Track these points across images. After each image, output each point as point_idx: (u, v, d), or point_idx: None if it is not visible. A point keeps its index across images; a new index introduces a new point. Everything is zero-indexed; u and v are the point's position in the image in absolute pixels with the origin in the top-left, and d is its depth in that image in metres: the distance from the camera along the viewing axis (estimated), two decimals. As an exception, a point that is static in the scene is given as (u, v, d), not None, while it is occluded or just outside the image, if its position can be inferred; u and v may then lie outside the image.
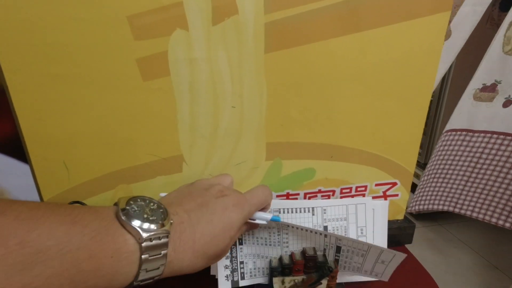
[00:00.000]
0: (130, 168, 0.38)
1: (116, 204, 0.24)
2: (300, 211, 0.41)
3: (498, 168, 0.90)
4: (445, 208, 1.02)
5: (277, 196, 0.45)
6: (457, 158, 0.99)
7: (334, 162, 0.45)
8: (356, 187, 0.47)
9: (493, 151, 0.90)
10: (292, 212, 0.41)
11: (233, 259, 0.41)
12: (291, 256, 0.40)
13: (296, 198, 0.46)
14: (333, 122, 0.43)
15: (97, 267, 0.20)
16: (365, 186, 0.47)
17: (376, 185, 0.48)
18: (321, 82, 0.40)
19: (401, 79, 0.41)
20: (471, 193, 0.97)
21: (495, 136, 0.90)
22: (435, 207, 1.03)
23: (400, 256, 0.37)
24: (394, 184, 0.48)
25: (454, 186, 1.01)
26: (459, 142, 0.98)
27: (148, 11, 0.32)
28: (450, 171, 1.00)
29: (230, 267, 0.41)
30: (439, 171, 1.02)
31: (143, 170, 0.39)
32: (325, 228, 0.42)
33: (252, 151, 0.42)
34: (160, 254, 0.23)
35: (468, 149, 0.97)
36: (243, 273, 0.41)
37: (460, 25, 0.89)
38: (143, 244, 0.22)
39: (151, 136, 0.38)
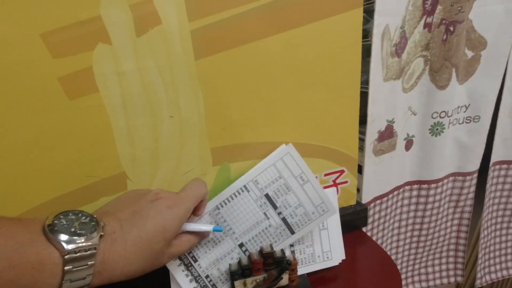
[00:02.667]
0: (67, 194, 0.36)
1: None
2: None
3: None
4: None
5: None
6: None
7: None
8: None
9: None
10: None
11: (197, 278, 0.41)
12: (249, 256, 0.41)
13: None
14: (274, 119, 0.44)
15: (17, 276, 0.22)
16: (316, 177, 0.50)
17: (325, 175, 0.50)
18: (257, 82, 0.42)
19: (330, 71, 0.45)
20: None
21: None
22: None
23: (289, 148, 0.42)
24: (342, 172, 0.51)
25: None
26: (509, 179, 0.83)
27: (63, 27, 0.31)
28: None
29: (199, 286, 0.41)
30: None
31: (83, 193, 0.37)
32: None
33: (198, 158, 0.42)
34: (87, 265, 0.25)
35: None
36: (214, 284, 0.41)
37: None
38: (67, 257, 0.23)
39: (87, 156, 0.36)
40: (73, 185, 0.36)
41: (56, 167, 0.35)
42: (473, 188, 0.81)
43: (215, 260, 0.41)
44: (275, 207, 0.42)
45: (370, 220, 0.69)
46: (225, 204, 0.41)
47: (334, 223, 0.46)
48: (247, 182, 0.42)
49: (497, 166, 0.83)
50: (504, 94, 0.73)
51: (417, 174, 0.75)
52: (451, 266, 0.92)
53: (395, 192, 0.74)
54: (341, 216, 0.48)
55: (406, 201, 0.78)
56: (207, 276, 0.41)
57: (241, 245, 0.42)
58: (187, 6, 0.36)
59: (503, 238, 0.95)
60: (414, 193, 0.78)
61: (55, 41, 0.31)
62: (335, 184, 0.51)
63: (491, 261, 0.96)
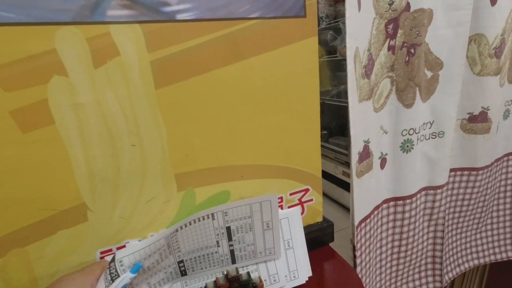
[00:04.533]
0: (21, 229, 0.35)
1: None
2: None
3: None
4: None
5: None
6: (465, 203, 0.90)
7: (246, 180, 0.46)
8: (273, 201, 0.49)
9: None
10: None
11: None
12: (215, 282, 0.40)
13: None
14: (236, 143, 0.45)
15: None
16: (281, 197, 0.50)
17: (291, 194, 0.51)
18: (218, 108, 0.42)
19: (289, 96, 0.46)
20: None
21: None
22: None
23: (272, 197, 0.42)
24: (307, 190, 0.52)
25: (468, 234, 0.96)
26: (463, 184, 0.88)
27: (15, 61, 0.31)
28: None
29: None
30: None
31: (39, 228, 0.36)
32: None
33: (161, 186, 0.42)
34: None
35: (475, 190, 0.88)
36: None
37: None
38: None
39: (43, 189, 0.35)
40: (27, 220, 0.35)
41: (6, 203, 0.34)
42: (444, 201, 0.84)
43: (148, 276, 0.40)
44: (230, 239, 0.43)
45: (358, 245, 0.68)
46: (186, 226, 0.41)
47: (299, 241, 0.46)
48: (216, 211, 0.42)
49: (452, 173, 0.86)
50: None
51: (392, 191, 0.77)
52: (430, 279, 0.92)
53: (375, 212, 0.75)
54: (308, 233, 0.48)
55: (385, 219, 0.79)
56: None
57: (180, 262, 0.42)
58: (145, 38, 0.37)
59: (462, 239, 0.98)
60: (391, 210, 0.79)
61: (6, 75, 0.31)
62: (300, 203, 0.52)
63: (451, 259, 0.98)
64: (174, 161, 0.41)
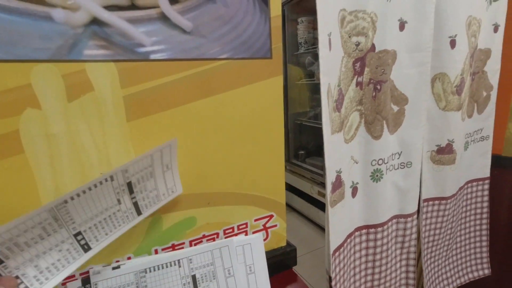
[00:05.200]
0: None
1: None
2: (167, 266, 0.43)
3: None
4: None
5: (163, 249, 0.46)
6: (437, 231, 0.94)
7: (212, 207, 0.49)
8: (238, 226, 0.51)
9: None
10: (158, 269, 0.43)
11: None
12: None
13: (182, 247, 0.48)
14: (205, 171, 0.47)
15: None
16: (246, 223, 0.52)
17: (255, 220, 0.53)
18: (187, 139, 0.45)
19: (256, 128, 0.49)
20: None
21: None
22: None
23: (172, 141, 0.42)
24: (271, 216, 0.54)
25: (439, 262, 0.99)
26: (434, 214, 0.92)
27: (-9, 96, 0.33)
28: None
29: None
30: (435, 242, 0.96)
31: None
32: (193, 277, 0.44)
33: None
34: None
35: (445, 218, 0.93)
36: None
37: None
38: None
39: (11, 216, 0.37)
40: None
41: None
42: (415, 229, 0.86)
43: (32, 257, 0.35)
44: (131, 192, 0.41)
45: (333, 275, 0.69)
46: (79, 196, 0.36)
47: (261, 266, 0.48)
48: (116, 173, 0.38)
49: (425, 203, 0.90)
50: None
51: (364, 219, 0.79)
52: (404, 307, 0.93)
53: (348, 240, 0.77)
54: (272, 257, 0.50)
55: (357, 247, 0.81)
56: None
57: (77, 234, 0.37)
58: (120, 75, 0.40)
59: (435, 268, 1.00)
60: (364, 237, 0.81)
61: (-18, 108, 0.33)
62: (265, 228, 0.54)
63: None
64: (142, 189, 0.43)
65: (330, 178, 0.64)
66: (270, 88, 0.48)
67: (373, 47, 0.68)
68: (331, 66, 0.60)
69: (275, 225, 0.55)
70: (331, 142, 0.62)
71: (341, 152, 0.67)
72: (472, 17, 0.81)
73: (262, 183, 0.51)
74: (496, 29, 0.90)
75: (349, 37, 0.65)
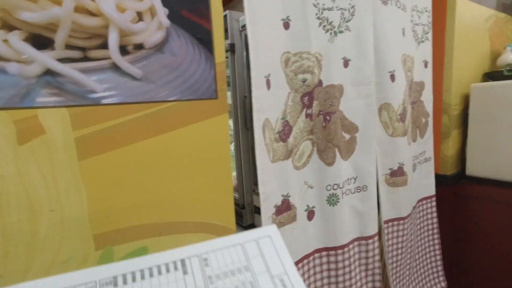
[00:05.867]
0: None
1: None
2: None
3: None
4: None
5: (114, 284, 0.48)
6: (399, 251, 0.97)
7: (164, 236, 0.51)
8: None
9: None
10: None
11: None
12: None
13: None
14: (157, 203, 0.50)
15: None
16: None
17: (209, 249, 0.55)
18: (138, 174, 0.49)
19: (205, 161, 0.54)
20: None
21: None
22: None
23: (271, 229, 0.29)
24: (225, 244, 0.57)
25: (404, 281, 1.01)
26: (395, 234, 0.96)
27: None
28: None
29: None
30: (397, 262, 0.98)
31: None
32: None
33: (79, 246, 0.45)
34: None
35: (405, 238, 0.96)
36: None
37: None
38: None
39: (-43, 255, 0.38)
40: None
41: None
42: (377, 251, 0.90)
43: None
44: None
45: None
46: (143, 278, 0.24)
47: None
48: (188, 256, 0.26)
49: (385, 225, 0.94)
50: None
51: (324, 242, 0.83)
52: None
53: (305, 261, 0.79)
54: None
55: (318, 268, 0.84)
56: None
57: None
58: (72, 119, 0.44)
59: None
60: (324, 259, 0.84)
61: None
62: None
63: None
64: (94, 223, 0.46)
65: (272, 202, 0.68)
66: (217, 125, 0.54)
67: (320, 82, 0.76)
68: (272, 103, 0.66)
69: (229, 252, 0.58)
70: (273, 169, 0.67)
71: (290, 178, 0.72)
72: (406, 55, 0.92)
73: (212, 211, 0.55)
74: (426, 64, 1.02)
75: (295, 75, 0.72)
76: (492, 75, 1.16)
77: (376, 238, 0.89)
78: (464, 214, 1.16)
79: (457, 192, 1.16)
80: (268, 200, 0.67)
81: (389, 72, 0.86)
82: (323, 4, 0.74)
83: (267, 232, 0.29)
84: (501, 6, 1.27)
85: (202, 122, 0.53)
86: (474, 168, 1.12)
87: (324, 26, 0.75)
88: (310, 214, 0.80)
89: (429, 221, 1.13)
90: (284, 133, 0.71)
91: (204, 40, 0.54)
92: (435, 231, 1.13)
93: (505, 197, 1.04)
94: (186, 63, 0.52)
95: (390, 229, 0.96)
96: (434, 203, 1.12)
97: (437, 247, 1.14)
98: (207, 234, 0.55)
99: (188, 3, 0.52)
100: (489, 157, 1.08)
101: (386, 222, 0.94)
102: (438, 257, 1.14)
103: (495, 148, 1.06)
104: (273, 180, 0.68)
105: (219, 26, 0.55)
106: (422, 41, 1.01)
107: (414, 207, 1.05)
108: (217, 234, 0.56)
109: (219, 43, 0.56)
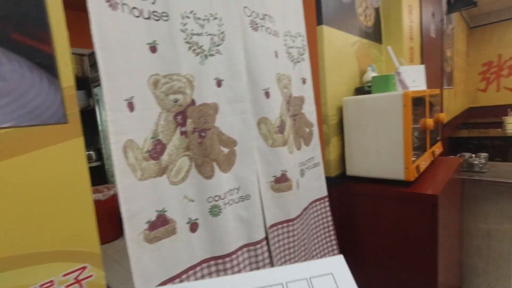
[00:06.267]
0: None
1: None
2: None
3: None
4: None
5: None
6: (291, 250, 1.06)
7: (4, 272, 0.48)
8: (40, 286, 0.52)
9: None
10: None
11: None
12: None
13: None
14: (3, 235, 0.48)
15: None
16: (51, 281, 0.53)
17: (64, 275, 0.54)
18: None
19: (59, 186, 0.53)
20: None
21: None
22: None
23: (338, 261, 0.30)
24: (84, 268, 0.56)
25: None
26: (285, 235, 1.04)
27: None
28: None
29: None
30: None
31: None
32: None
33: None
34: None
35: (295, 237, 1.06)
36: None
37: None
38: None
39: None
40: None
41: None
42: (267, 254, 0.97)
43: None
44: None
45: None
46: None
47: None
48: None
49: (274, 228, 1.03)
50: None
51: (211, 251, 0.86)
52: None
53: (190, 272, 0.82)
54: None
55: (207, 278, 0.87)
56: None
57: None
58: None
59: None
60: (213, 269, 0.87)
61: None
62: (77, 281, 0.56)
63: None
64: None
65: (143, 218, 0.70)
66: (69, 149, 0.54)
67: (193, 101, 0.81)
68: (137, 124, 0.69)
69: (90, 276, 0.57)
70: (142, 187, 0.69)
71: (165, 193, 0.75)
72: (281, 74, 1.04)
73: (70, 237, 0.54)
74: (304, 81, 1.17)
75: (166, 95, 0.76)
76: (359, 90, 1.38)
77: (264, 242, 0.96)
78: (349, 209, 1.33)
79: (341, 191, 1.32)
80: (136, 217, 0.68)
81: (264, 89, 0.96)
82: (192, 30, 0.80)
83: (330, 269, 0.27)
84: (363, 33, 1.52)
85: (50, 147, 0.52)
86: (352, 169, 1.31)
87: (194, 50, 0.81)
88: (193, 226, 0.83)
89: (325, 220, 1.26)
90: (156, 152, 0.74)
91: (45, 64, 0.54)
92: (331, 228, 1.26)
93: (374, 191, 1.23)
94: (23, 88, 0.52)
95: (279, 231, 1.05)
96: (327, 203, 1.26)
97: (334, 242, 1.27)
98: (64, 263, 0.54)
99: (21, 27, 0.52)
100: (361, 158, 1.27)
101: (275, 225, 1.03)
102: (336, 252, 1.28)
103: (364, 150, 1.25)
104: (143, 198, 0.70)
105: (64, 50, 0.56)
106: (299, 61, 1.15)
107: (305, 209, 1.16)
108: (78, 261, 0.55)
109: (66, 67, 0.56)
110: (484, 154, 1.92)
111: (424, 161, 1.39)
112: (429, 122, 1.38)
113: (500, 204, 1.72)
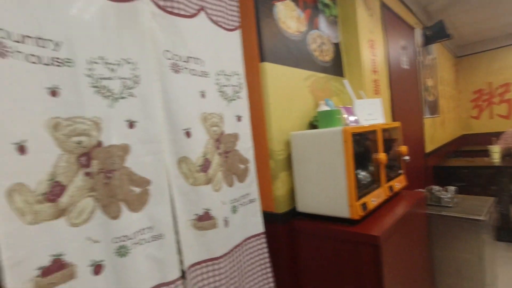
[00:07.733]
0: None
1: None
2: None
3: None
4: None
5: None
6: None
7: None
8: None
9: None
10: None
11: None
12: None
13: None
14: None
15: None
16: None
17: None
18: None
19: None
20: None
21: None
22: None
23: None
24: None
25: None
26: (210, 274, 1.03)
27: None
28: None
29: None
30: None
31: None
32: None
33: None
34: None
35: (222, 276, 1.04)
36: None
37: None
38: None
39: None
40: None
41: None
42: (181, 295, 0.95)
43: None
44: None
45: None
46: None
47: None
48: None
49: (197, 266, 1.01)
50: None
51: None
52: None
53: None
54: None
55: None
56: None
57: None
58: None
59: None
60: None
61: None
62: None
63: None
64: None
65: (31, 264, 0.70)
66: None
67: (99, 143, 0.83)
68: (29, 167, 0.71)
69: None
70: (34, 231, 0.70)
71: (62, 237, 0.75)
72: (208, 113, 1.06)
73: None
74: (239, 119, 1.18)
75: (69, 137, 0.78)
76: (313, 124, 1.38)
77: (179, 282, 0.94)
78: (295, 248, 1.29)
79: (291, 228, 1.28)
80: (22, 264, 0.69)
81: (184, 129, 0.98)
82: (101, 74, 0.83)
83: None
84: (320, 68, 1.54)
85: None
86: (302, 205, 1.27)
87: (102, 93, 0.84)
88: (97, 269, 0.83)
89: (261, 256, 1.23)
90: (53, 194, 0.75)
91: None
92: (268, 265, 1.23)
93: (318, 230, 1.20)
94: None
95: (203, 270, 1.03)
96: (263, 240, 1.23)
97: (270, 280, 1.23)
98: None
99: None
100: (309, 195, 1.24)
101: (195, 264, 1.01)
102: (272, 285, 1.23)
103: (312, 186, 1.23)
104: (33, 242, 0.70)
105: None
106: (234, 99, 1.17)
107: (238, 245, 1.15)
108: None
109: None
110: (451, 188, 1.87)
111: (375, 197, 1.36)
112: (382, 156, 1.36)
113: (465, 238, 1.66)
